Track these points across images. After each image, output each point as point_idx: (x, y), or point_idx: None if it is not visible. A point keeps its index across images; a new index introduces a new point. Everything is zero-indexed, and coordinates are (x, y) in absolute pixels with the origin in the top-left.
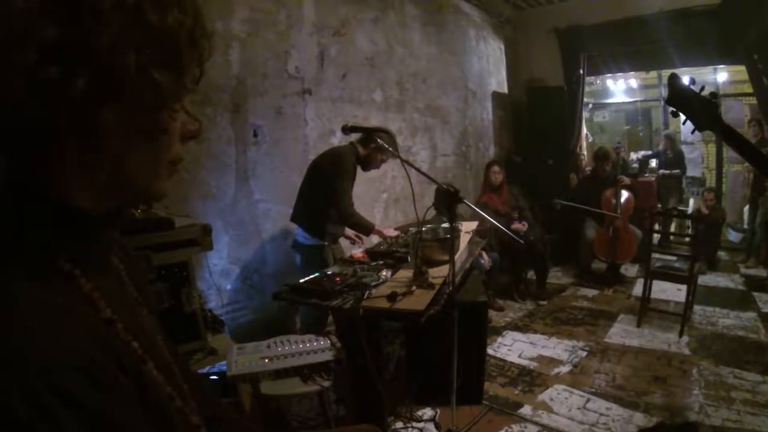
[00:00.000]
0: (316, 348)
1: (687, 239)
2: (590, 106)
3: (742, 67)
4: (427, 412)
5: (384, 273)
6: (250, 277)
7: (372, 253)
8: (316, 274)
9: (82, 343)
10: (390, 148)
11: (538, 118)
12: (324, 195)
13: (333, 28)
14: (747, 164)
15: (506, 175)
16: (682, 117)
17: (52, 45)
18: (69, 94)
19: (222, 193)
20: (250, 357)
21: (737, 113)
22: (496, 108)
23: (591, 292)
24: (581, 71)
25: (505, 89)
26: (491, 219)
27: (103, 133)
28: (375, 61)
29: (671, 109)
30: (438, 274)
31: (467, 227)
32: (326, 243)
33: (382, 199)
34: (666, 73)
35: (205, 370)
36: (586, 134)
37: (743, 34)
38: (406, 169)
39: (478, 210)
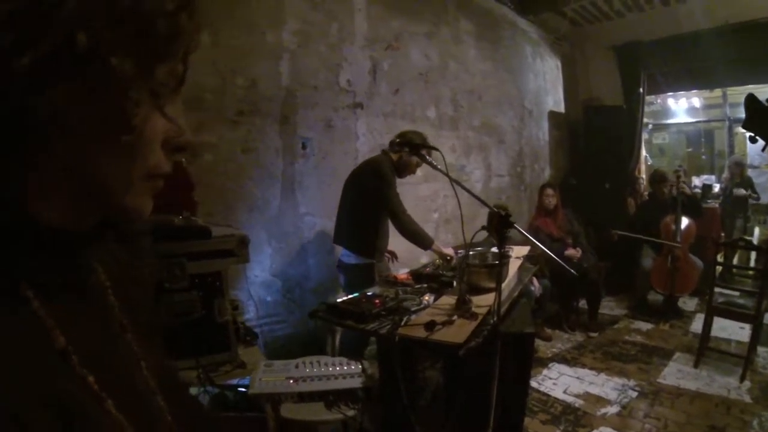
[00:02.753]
0: (346, 373)
1: (752, 273)
2: (650, 126)
3: None
4: None
5: (426, 298)
6: (292, 290)
7: (417, 275)
8: (356, 294)
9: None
10: (422, 159)
11: (595, 139)
12: (370, 209)
13: (386, 41)
14: None
15: (561, 199)
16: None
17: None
18: (12, 69)
19: (267, 204)
20: (275, 376)
21: None
22: (553, 128)
23: (646, 326)
24: (641, 90)
25: (561, 108)
26: (542, 246)
27: (49, 121)
28: (429, 76)
29: (749, 134)
30: (483, 302)
31: (518, 252)
32: (375, 261)
33: (433, 219)
34: (731, 91)
35: (235, 382)
36: (645, 157)
37: None
38: (453, 187)
39: (530, 236)
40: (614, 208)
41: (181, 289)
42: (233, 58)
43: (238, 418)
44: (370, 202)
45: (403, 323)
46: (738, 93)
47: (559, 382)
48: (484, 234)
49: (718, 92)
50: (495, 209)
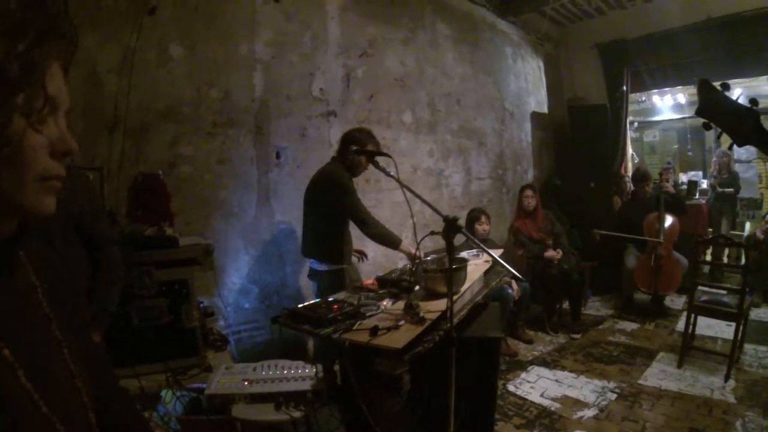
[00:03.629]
0: (298, 376)
1: (741, 270)
2: (635, 124)
3: None
4: None
5: (385, 303)
6: (270, 297)
7: (381, 281)
8: (318, 300)
9: None
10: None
11: (580, 139)
12: (331, 218)
13: (360, 49)
14: None
15: (542, 200)
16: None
17: None
18: None
19: (244, 212)
20: (232, 378)
21: None
22: (536, 129)
23: (631, 326)
24: (625, 87)
25: (545, 109)
26: (489, 251)
27: None
28: (405, 81)
29: (703, 121)
30: (440, 307)
31: (488, 256)
32: (344, 266)
33: (410, 225)
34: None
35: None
36: (632, 155)
37: None
38: (404, 193)
39: (477, 242)
40: (600, 208)
41: (149, 296)
42: (208, 70)
43: (207, 420)
44: (330, 211)
45: (354, 328)
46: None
47: (536, 385)
48: (462, 238)
49: None
50: (445, 215)
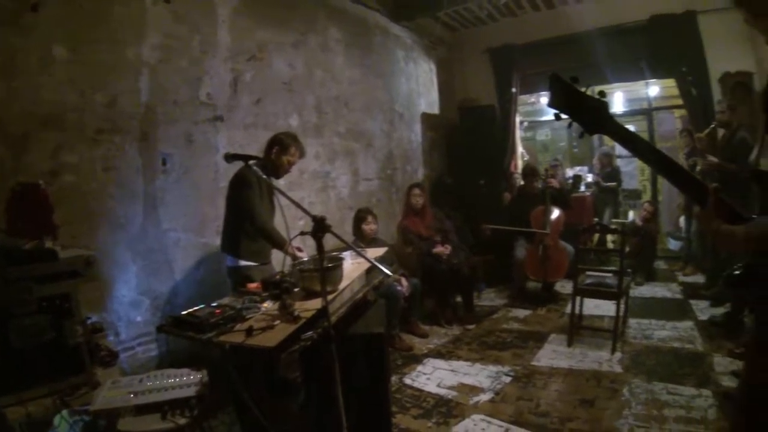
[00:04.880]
0: (183, 383)
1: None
2: (525, 124)
3: (673, 81)
4: None
5: (266, 305)
6: (162, 308)
7: (265, 283)
8: (202, 306)
9: None
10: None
11: (470, 138)
12: (234, 215)
13: (249, 52)
14: None
15: (434, 198)
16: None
17: None
18: None
19: (130, 222)
20: (118, 392)
21: (669, 125)
22: (427, 129)
23: (523, 313)
24: (513, 90)
25: (436, 110)
26: (361, 253)
27: None
28: (292, 85)
29: (554, 112)
30: (316, 306)
31: (374, 254)
32: (251, 263)
33: (299, 227)
34: (600, 90)
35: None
36: (522, 153)
37: (672, 48)
38: (277, 196)
39: (348, 243)
40: (491, 204)
41: (29, 313)
42: (93, 74)
43: None
44: (234, 209)
45: (237, 329)
46: (605, 91)
47: (432, 376)
48: (350, 239)
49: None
50: (313, 215)
